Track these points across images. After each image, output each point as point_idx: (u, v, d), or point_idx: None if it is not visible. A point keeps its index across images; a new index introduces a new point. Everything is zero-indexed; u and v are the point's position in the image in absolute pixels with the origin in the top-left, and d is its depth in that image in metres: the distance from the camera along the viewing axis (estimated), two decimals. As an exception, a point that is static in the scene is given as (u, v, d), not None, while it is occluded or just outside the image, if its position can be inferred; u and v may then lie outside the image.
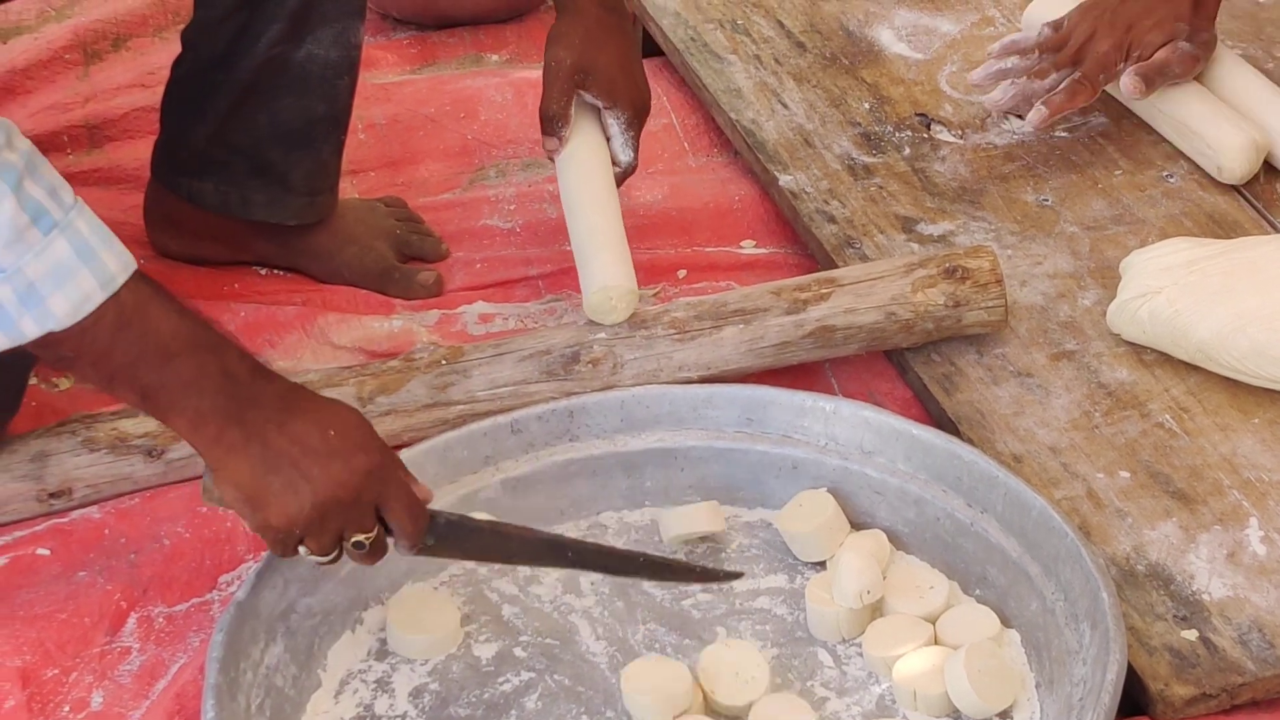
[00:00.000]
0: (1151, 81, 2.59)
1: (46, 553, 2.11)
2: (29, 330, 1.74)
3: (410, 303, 2.49)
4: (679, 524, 2.11)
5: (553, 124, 2.36)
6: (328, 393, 2.17)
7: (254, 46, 2.35)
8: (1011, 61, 2.66)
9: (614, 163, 2.40)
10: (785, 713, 1.90)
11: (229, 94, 2.39)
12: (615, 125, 2.38)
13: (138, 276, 1.78)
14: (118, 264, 1.77)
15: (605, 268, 2.27)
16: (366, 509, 1.86)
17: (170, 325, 1.80)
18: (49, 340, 1.76)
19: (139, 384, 1.81)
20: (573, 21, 2.37)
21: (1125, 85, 2.59)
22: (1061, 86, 2.59)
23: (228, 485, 1.84)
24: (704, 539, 2.12)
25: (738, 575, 2.07)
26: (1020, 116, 2.67)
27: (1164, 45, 2.59)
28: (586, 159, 2.38)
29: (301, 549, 1.87)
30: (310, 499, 1.83)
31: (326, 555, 1.87)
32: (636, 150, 2.41)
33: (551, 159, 2.40)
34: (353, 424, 1.89)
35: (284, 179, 2.45)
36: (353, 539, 1.87)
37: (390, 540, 1.91)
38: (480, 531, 1.97)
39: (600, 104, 2.37)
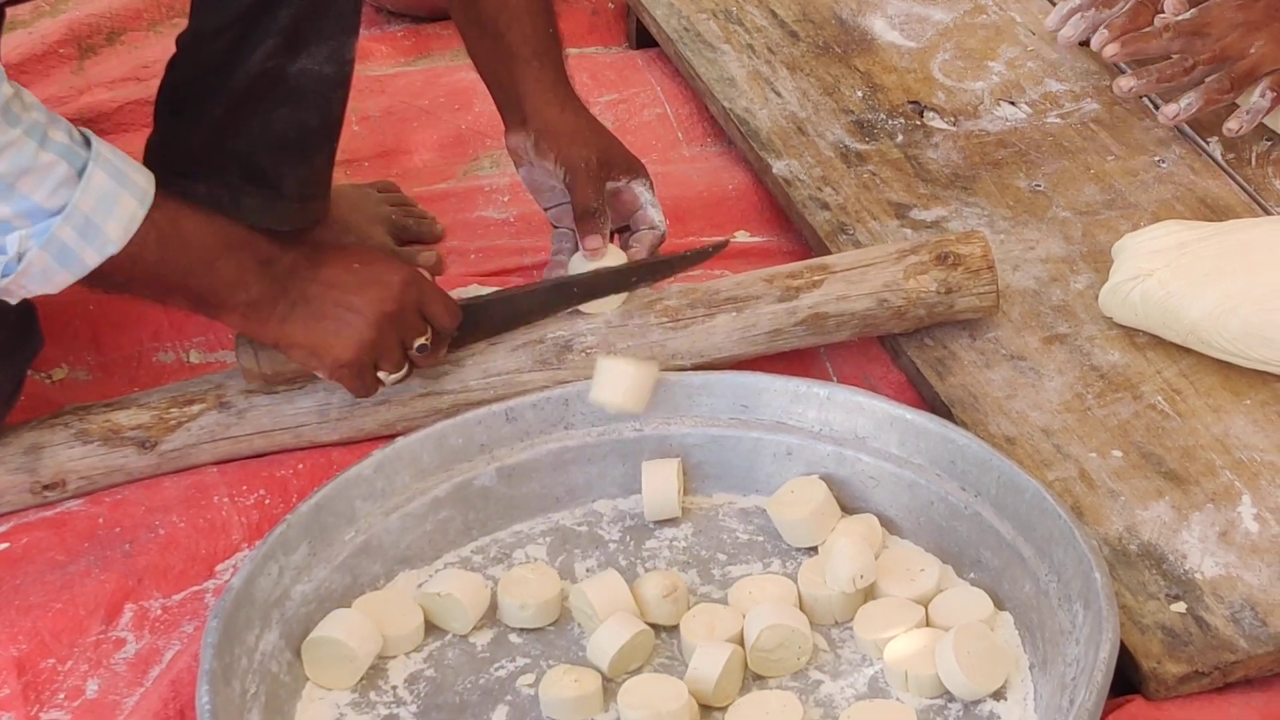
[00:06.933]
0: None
1: (10, 547, 2.12)
2: (91, 261, 1.91)
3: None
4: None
5: (595, 220, 2.28)
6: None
7: (249, 58, 2.34)
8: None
9: (652, 226, 2.34)
10: (774, 708, 1.90)
11: (223, 102, 2.39)
12: (645, 193, 2.33)
13: (161, 189, 1.96)
14: (144, 179, 1.95)
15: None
16: (413, 315, 2.10)
17: (204, 232, 2.00)
18: (104, 269, 1.92)
19: (191, 292, 2.02)
20: (563, 118, 2.33)
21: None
22: (1209, 83, 2.58)
23: (293, 351, 2.08)
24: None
25: (725, 243, 2.33)
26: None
27: None
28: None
29: (380, 375, 2.11)
30: (365, 323, 2.07)
31: (400, 369, 2.12)
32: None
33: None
34: (373, 252, 2.15)
35: (277, 186, 2.44)
36: (415, 344, 2.11)
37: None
38: (492, 304, 2.21)
39: (626, 180, 2.32)
